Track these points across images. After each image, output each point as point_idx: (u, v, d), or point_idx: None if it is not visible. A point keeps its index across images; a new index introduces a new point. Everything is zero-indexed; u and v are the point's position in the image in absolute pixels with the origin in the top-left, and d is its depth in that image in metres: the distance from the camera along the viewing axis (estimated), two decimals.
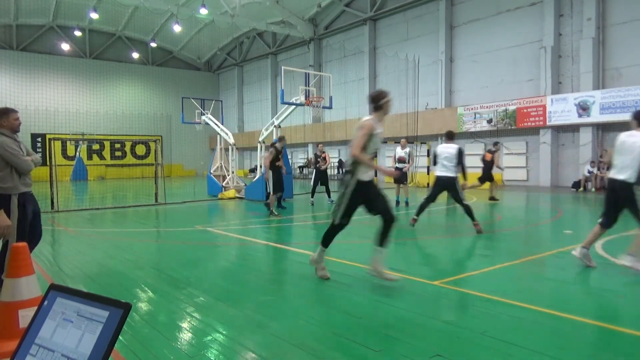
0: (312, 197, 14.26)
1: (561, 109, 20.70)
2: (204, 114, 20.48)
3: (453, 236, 8.66)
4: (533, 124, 21.55)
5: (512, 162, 22.96)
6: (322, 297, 4.78)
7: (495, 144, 15.80)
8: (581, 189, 19.02)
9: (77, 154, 36.01)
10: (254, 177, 16.71)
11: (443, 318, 4.05)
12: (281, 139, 12.45)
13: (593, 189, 18.71)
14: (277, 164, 11.58)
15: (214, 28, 36.57)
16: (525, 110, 21.81)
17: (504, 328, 3.74)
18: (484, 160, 15.08)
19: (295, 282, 5.43)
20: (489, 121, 23.16)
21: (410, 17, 28.10)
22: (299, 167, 34.88)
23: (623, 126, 19.81)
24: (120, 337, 1.23)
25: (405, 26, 28.47)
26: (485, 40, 24.36)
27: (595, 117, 19.65)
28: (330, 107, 16.75)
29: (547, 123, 21.09)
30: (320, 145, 14.76)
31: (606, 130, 20.43)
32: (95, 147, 38.55)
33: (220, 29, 36.13)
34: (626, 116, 18.74)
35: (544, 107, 21.17)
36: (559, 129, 21.57)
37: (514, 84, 23.09)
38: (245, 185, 17.15)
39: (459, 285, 4.99)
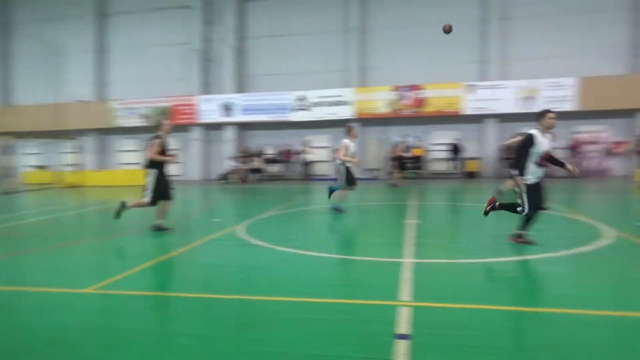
0: None
1: (209, 109, 22.58)
2: None
3: (103, 238, 8.20)
4: (185, 121, 22.71)
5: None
6: None
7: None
8: (226, 180, 21.21)
9: None
10: None
11: (99, 324, 3.79)
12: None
13: (236, 181, 21.16)
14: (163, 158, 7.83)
15: None
16: (178, 108, 22.73)
17: (162, 320, 3.80)
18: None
19: None
20: (145, 117, 23.04)
21: None
22: None
23: (260, 125, 23.13)
24: None
25: (50, 2, 24.96)
26: (140, 35, 24.05)
27: (237, 117, 22.36)
28: None
29: (198, 121, 22.65)
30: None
31: (246, 129, 23.57)
32: None
33: None
34: (261, 117, 22.22)
35: (195, 105, 22.63)
36: (207, 127, 23.47)
37: (168, 81, 23.72)
38: None
39: (115, 288, 4.76)
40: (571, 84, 19.21)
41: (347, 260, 5.95)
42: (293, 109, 21.90)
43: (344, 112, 21.34)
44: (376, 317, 3.75)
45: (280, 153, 23.05)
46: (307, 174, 21.42)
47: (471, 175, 20.67)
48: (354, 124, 11.55)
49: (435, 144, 21.85)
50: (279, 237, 7.49)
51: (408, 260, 5.56)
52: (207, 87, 23.55)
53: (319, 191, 16.90)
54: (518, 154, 6.02)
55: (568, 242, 6.59)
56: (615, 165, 19.90)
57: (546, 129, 5.92)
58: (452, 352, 3.07)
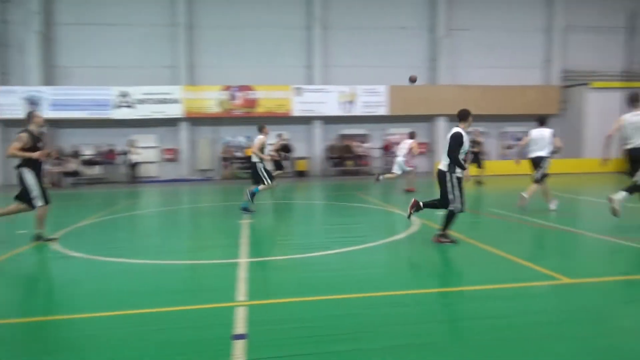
0: None
1: (10, 102, 19.46)
2: None
3: None
4: None
5: None
6: None
7: None
8: None
9: None
10: None
11: None
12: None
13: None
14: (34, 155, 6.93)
15: None
16: None
17: None
18: None
19: None
20: None
21: None
22: None
23: (76, 123, 20.87)
24: None
25: None
26: None
27: (46, 113, 19.66)
28: None
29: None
30: None
31: (58, 126, 20.88)
32: None
33: None
34: (77, 114, 19.97)
35: None
36: (7, 124, 20.18)
37: None
38: None
39: None
40: (383, 91, 21.52)
41: (180, 265, 5.73)
42: (115, 106, 20.15)
43: (172, 111, 20.41)
44: (213, 321, 3.70)
45: (101, 154, 21.02)
46: (134, 176, 19.94)
47: (301, 174, 21.68)
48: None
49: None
50: (99, 247, 6.83)
51: (243, 260, 5.60)
52: (6, 77, 20.24)
53: (146, 194, 15.90)
54: (451, 152, 6.12)
55: (386, 232, 7.42)
56: (420, 163, 22.94)
57: (468, 127, 6.37)
58: (287, 346, 3.19)
